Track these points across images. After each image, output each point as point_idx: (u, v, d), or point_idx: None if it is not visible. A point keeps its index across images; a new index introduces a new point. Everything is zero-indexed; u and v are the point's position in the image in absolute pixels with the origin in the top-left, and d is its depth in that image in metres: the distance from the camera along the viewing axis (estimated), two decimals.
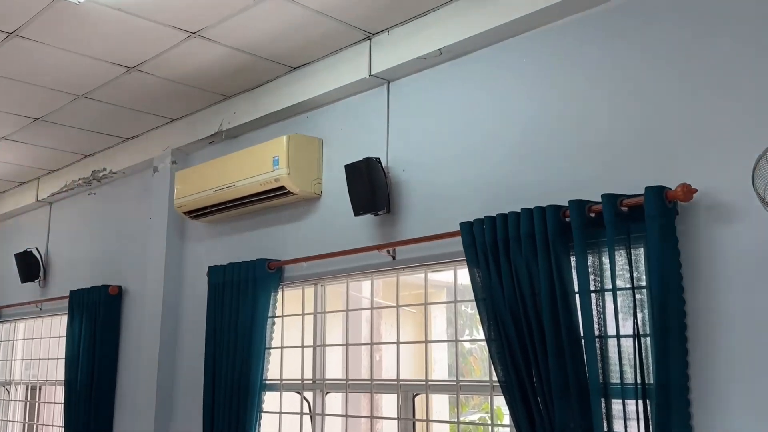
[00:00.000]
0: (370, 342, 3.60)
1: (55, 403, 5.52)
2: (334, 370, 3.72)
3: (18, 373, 6.16)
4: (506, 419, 2.89)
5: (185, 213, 4.22)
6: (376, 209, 3.28)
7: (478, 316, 2.78)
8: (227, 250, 4.18)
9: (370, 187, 3.26)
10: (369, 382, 3.48)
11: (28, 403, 6.00)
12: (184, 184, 4.17)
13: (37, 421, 5.85)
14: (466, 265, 2.80)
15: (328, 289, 3.75)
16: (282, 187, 3.63)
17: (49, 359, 5.69)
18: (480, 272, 2.72)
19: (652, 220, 2.31)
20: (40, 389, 5.90)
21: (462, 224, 2.79)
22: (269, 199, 3.77)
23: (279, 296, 3.81)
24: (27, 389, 6.04)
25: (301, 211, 3.83)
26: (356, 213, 3.33)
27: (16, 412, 6.12)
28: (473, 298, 2.79)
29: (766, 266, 2.19)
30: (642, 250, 2.40)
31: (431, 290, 3.28)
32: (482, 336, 2.79)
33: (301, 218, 3.82)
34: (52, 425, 5.52)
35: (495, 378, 2.71)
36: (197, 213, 4.16)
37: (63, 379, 5.04)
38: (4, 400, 6.21)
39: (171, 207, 4.45)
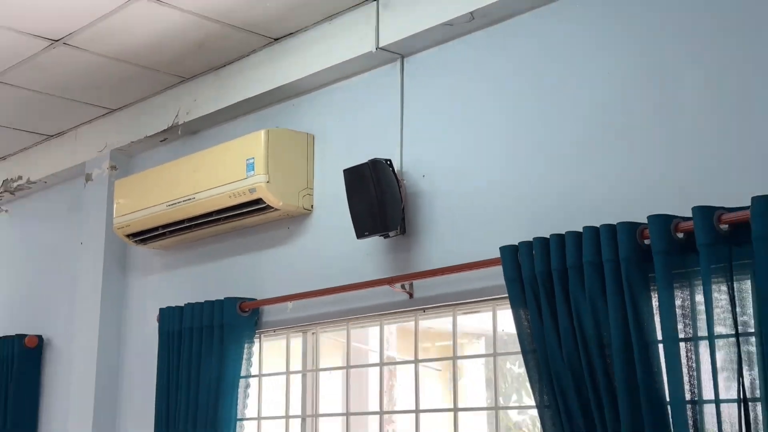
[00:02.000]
0: (379, 411, 3.59)
1: None
2: None
3: None
4: None
5: (128, 236, 4.23)
6: (386, 229, 3.27)
7: (526, 375, 2.77)
8: (185, 285, 4.20)
9: (378, 199, 3.26)
10: None
11: None
12: (126, 198, 4.20)
13: None
14: (509, 306, 2.80)
15: (322, 339, 3.76)
16: (259, 200, 3.64)
17: None
18: (528, 314, 2.71)
19: (763, 241, 2.30)
20: None
21: (503, 249, 2.79)
22: (242, 216, 3.78)
23: (255, 348, 3.82)
24: None
25: (285, 233, 3.84)
26: (359, 235, 3.33)
27: None
28: (519, 350, 2.78)
29: None
30: (749, 282, 2.38)
31: (462, 340, 3.28)
32: (532, 402, 2.77)
33: (286, 242, 3.83)
34: None
35: None
36: (144, 236, 4.18)
37: None
38: None
39: (109, 228, 4.47)
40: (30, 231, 5.28)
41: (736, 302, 2.37)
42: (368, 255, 3.46)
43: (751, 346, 2.34)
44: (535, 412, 2.78)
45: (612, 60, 2.89)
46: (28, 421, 4.86)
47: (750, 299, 2.37)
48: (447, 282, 3.16)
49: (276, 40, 3.84)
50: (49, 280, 5.03)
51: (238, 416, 3.72)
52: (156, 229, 4.11)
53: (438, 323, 3.37)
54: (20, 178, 5.19)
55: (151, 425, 4.00)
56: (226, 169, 3.72)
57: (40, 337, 4.95)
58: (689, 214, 2.41)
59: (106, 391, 4.45)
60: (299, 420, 3.71)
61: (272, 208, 3.66)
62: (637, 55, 2.83)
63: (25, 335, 4.93)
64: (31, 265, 5.19)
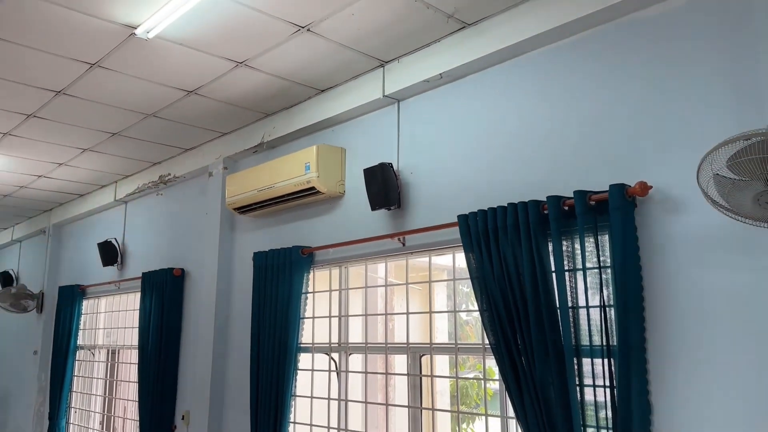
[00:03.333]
0: (384, 312, 3.60)
1: (130, 363, 5.57)
2: (355, 335, 3.72)
3: (101, 340, 6.21)
4: (496, 376, 2.89)
5: (235, 209, 4.23)
6: (389, 205, 3.27)
7: (472, 292, 2.77)
8: (269, 239, 4.19)
9: (384, 186, 3.25)
10: (384, 345, 3.48)
11: (109, 363, 6.05)
12: (233, 186, 4.18)
13: (117, 378, 5.90)
14: (463, 251, 2.79)
15: (350, 270, 3.76)
16: (312, 188, 3.62)
17: (125, 328, 5.74)
18: (474, 256, 2.71)
19: (615, 212, 2.29)
20: (118, 352, 5.96)
21: (459, 216, 2.78)
22: (302, 198, 3.77)
23: (310, 276, 3.82)
24: (108, 353, 6.09)
25: (327, 207, 3.83)
26: (373, 208, 3.32)
27: (99, 370, 6.18)
28: (469, 277, 2.78)
29: (709, 249, 2.17)
30: (607, 237, 2.37)
31: (434, 271, 3.27)
32: (476, 308, 2.78)
33: (328, 213, 3.82)
34: (129, 381, 5.57)
35: (487, 342, 2.70)
36: (244, 209, 4.17)
37: (137, 344, 5.09)
38: (90, 361, 6.28)
39: (223, 205, 4.47)
40: (176, 207, 5.28)
41: (599, 248, 2.37)
42: (378, 220, 3.44)
43: (608, 275, 2.34)
44: (478, 314, 2.78)
45: (526, 102, 2.86)
46: (175, 324, 4.87)
47: (607, 246, 2.36)
48: (425, 236, 3.15)
49: (322, 90, 3.80)
50: (187, 235, 5.04)
51: (301, 316, 3.73)
52: (250, 205, 4.09)
53: (420, 261, 3.35)
54: (169, 174, 5.18)
55: (249, 324, 4.02)
56: (293, 169, 3.69)
57: (182, 270, 4.95)
58: (572, 195, 2.41)
59: (221, 305, 4.46)
60: (337, 318, 3.72)
61: (320, 192, 3.64)
62: (537, 101, 2.80)
63: (173, 268, 4.93)
64: (176, 227, 5.20)
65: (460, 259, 3.00)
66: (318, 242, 3.79)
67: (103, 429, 5.94)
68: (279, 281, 3.79)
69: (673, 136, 2.33)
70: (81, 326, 6.31)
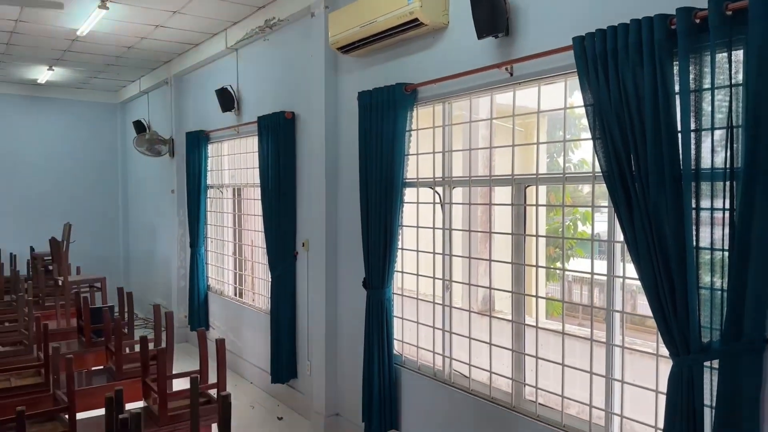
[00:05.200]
0: (489, 146, 3.51)
1: (254, 199, 5.98)
2: (457, 170, 3.70)
3: (227, 179, 6.68)
4: (597, 217, 2.79)
5: (338, 49, 4.12)
6: (496, 31, 3.02)
7: (586, 122, 2.59)
8: (372, 78, 4.10)
9: (491, 12, 2.99)
10: (488, 177, 3.44)
11: (235, 200, 6.56)
12: (335, 24, 4.03)
13: (243, 212, 6.41)
14: (577, 76, 2.57)
15: (453, 106, 3.63)
16: (415, 20, 3.41)
17: (247, 169, 6.09)
18: (589, 80, 2.48)
19: (755, 21, 1.96)
20: (242, 190, 6.41)
21: (575, 38, 2.51)
22: (404, 32, 3.57)
23: (414, 113, 3.75)
24: (234, 190, 6.57)
25: (430, 41, 3.62)
26: (479, 36, 3.09)
27: (228, 206, 6.73)
28: (583, 103, 2.56)
29: None
30: (741, 52, 2.07)
31: (535, 116, 3.07)
32: (589, 136, 2.61)
33: (431, 47, 3.63)
34: (253, 215, 6.03)
35: (598, 169, 2.57)
36: (347, 48, 4.05)
37: (258, 182, 5.41)
38: (219, 198, 6.83)
39: (327, 45, 4.38)
40: (280, 50, 5.27)
41: (732, 65, 2.08)
42: (484, 50, 3.22)
43: (740, 91, 2.08)
44: (590, 143, 2.62)
45: None
46: (290, 163, 5.05)
47: (741, 62, 2.06)
48: (535, 64, 2.92)
49: None
50: (295, 79, 5.06)
51: (405, 153, 3.73)
52: (353, 43, 3.96)
53: (524, 101, 3.16)
54: (274, 18, 5.10)
55: (356, 161, 4.08)
56: (395, 1, 3.46)
57: (293, 113, 5.04)
58: (704, 7, 2.08)
59: (330, 145, 4.54)
60: (440, 154, 3.67)
61: (423, 24, 3.43)
62: None
63: (284, 111, 5.03)
64: (284, 71, 5.22)
65: (571, 87, 2.78)
66: (421, 78, 3.66)
67: (235, 255, 6.60)
68: (383, 120, 3.76)
69: None
70: (209, 168, 6.79)
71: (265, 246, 5.26)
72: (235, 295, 6.54)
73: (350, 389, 4.42)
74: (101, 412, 3.13)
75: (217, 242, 6.89)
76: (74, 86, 9.00)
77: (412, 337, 3.94)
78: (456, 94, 3.47)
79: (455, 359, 3.62)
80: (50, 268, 6.88)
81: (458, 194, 3.68)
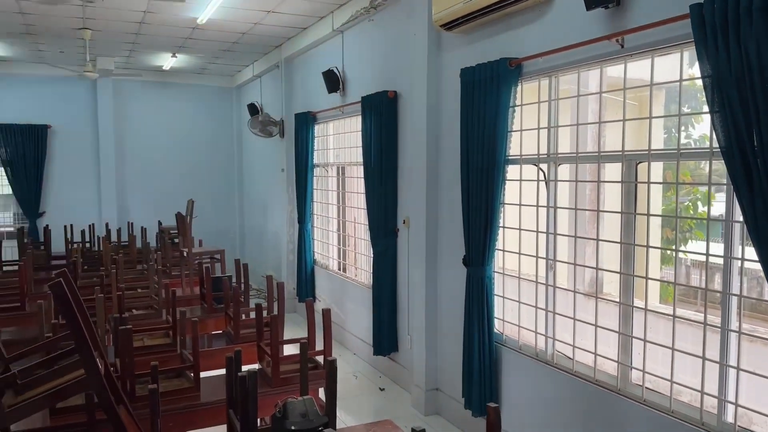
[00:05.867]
0: (598, 121, 3.38)
1: (357, 177, 6.16)
2: (564, 146, 3.59)
3: (332, 158, 6.93)
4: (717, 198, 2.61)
5: (441, 26, 4.12)
6: (607, 2, 2.89)
7: (704, 97, 2.43)
8: (475, 54, 4.07)
9: None
10: (596, 154, 3.32)
11: (339, 178, 6.80)
12: (439, 1, 4.02)
13: (346, 190, 6.64)
14: (694, 46, 2.41)
15: (560, 80, 3.53)
16: None
17: (350, 148, 6.29)
18: (707, 50, 2.33)
19: None
20: (345, 169, 6.63)
21: (692, 6, 2.36)
22: (510, 5, 3.51)
23: (518, 89, 3.69)
24: (338, 169, 6.81)
25: (536, 14, 3.53)
26: (588, 7, 2.98)
27: (332, 184, 6.99)
28: (700, 75, 2.41)
29: None
30: None
31: (646, 91, 2.91)
32: (707, 109, 2.45)
33: (536, 20, 3.53)
34: (357, 192, 6.22)
35: (716, 145, 2.41)
36: (450, 24, 4.04)
37: (361, 161, 5.57)
38: (324, 176, 7.11)
39: (430, 24, 4.39)
40: (383, 31, 5.35)
41: None
42: (593, 21, 3.10)
43: None
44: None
45: None
46: (392, 142, 5.12)
47: None
48: (648, 34, 2.77)
49: None
50: (398, 58, 5.12)
51: (508, 129, 3.69)
52: (456, 19, 3.95)
53: (638, 73, 3.00)
54: None
55: (458, 139, 4.08)
56: None
57: (395, 92, 5.12)
58: None
59: (432, 122, 4.57)
60: (546, 130, 3.59)
61: None
62: None
63: (387, 91, 5.12)
64: (388, 50, 5.30)
65: (687, 58, 2.60)
66: (525, 53, 3.58)
67: (338, 231, 6.87)
68: (486, 96, 3.73)
69: None
70: (315, 147, 7.08)
71: (367, 223, 5.43)
72: (339, 269, 6.82)
73: (450, 364, 4.50)
74: (220, 372, 3.42)
75: (323, 219, 7.20)
76: (195, 72, 9.69)
77: (513, 316, 3.93)
78: (563, 67, 3.37)
79: (558, 340, 3.58)
80: (176, 240, 7.55)
81: (564, 171, 3.58)
